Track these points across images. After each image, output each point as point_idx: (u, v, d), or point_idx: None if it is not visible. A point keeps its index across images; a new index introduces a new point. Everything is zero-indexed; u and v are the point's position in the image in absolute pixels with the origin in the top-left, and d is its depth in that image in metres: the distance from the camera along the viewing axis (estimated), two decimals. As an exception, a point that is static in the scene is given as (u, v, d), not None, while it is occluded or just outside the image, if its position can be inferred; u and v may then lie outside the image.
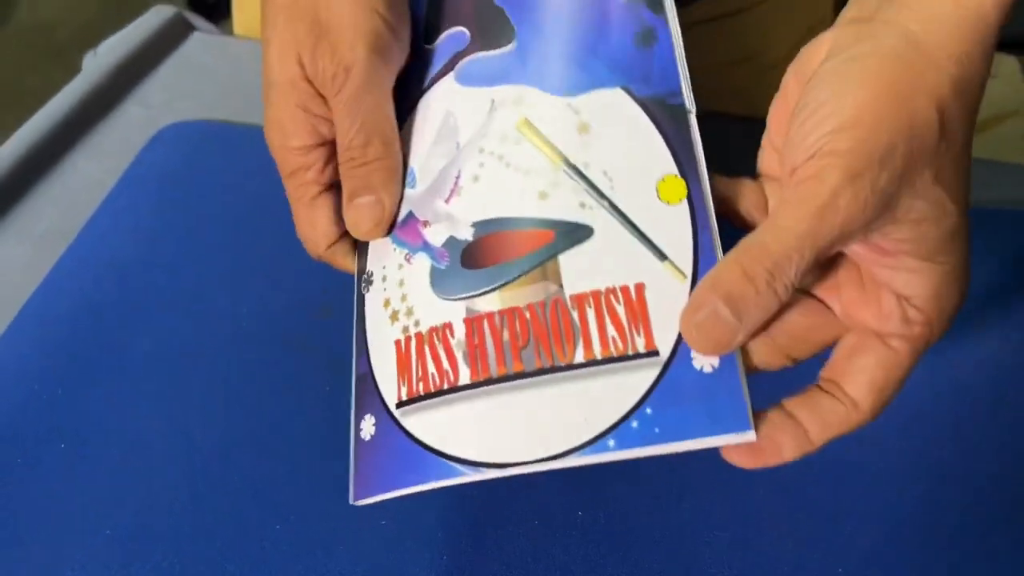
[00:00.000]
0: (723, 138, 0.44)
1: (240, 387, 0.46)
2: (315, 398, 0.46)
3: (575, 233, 0.30)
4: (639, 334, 0.29)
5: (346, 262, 0.36)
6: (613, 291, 0.29)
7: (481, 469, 0.28)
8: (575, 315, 0.29)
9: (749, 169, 0.33)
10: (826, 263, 0.30)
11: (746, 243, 0.27)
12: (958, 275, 0.29)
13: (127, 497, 0.42)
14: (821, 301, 0.31)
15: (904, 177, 0.26)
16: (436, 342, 0.30)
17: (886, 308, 0.29)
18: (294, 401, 0.46)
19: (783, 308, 0.28)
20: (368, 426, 0.32)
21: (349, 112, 0.33)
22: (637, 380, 0.28)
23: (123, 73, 0.65)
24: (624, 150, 0.31)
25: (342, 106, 0.33)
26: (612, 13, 0.33)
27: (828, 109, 0.27)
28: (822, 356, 0.31)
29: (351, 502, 0.32)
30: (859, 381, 0.29)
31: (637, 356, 0.28)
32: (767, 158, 0.33)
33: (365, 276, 0.35)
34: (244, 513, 0.41)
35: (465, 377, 0.30)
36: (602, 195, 0.30)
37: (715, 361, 0.28)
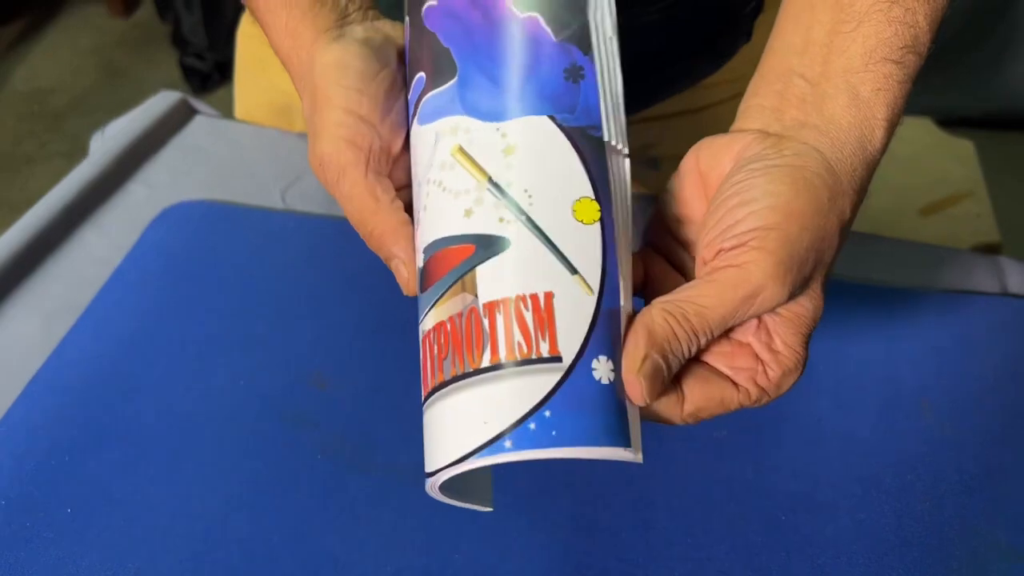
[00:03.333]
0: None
1: (238, 457, 0.49)
2: (309, 467, 0.49)
3: (492, 246, 0.32)
4: (544, 339, 0.30)
5: None
6: (523, 298, 0.31)
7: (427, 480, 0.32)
8: (486, 322, 0.31)
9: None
10: None
11: (671, 306, 0.31)
12: (801, 362, 0.34)
13: (130, 562, 0.45)
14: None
15: (807, 281, 0.32)
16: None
17: (740, 363, 0.33)
18: (288, 470, 0.49)
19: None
20: None
21: (346, 201, 0.36)
22: (538, 384, 0.30)
23: (129, 154, 0.68)
24: (546, 171, 0.33)
25: (342, 199, 0.37)
26: (545, 49, 0.34)
27: (760, 205, 0.31)
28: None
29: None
30: (695, 392, 0.33)
31: (540, 360, 0.30)
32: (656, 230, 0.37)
33: None
34: (240, 576, 0.44)
35: (421, 395, 0.33)
36: (520, 210, 0.32)
37: (612, 374, 0.30)
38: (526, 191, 0.32)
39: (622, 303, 0.32)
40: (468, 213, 0.32)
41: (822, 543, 0.47)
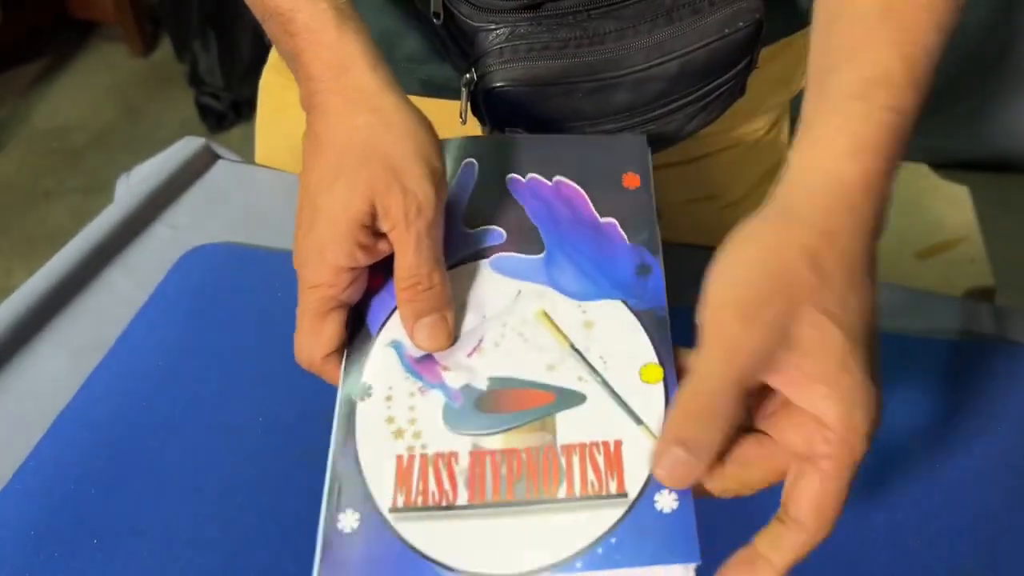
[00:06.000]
0: (685, 266, 0.50)
1: (260, 491, 0.51)
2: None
3: (571, 399, 0.39)
4: (612, 479, 0.36)
5: (335, 373, 0.41)
6: (596, 444, 0.37)
7: None
8: (563, 461, 0.37)
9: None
10: (759, 397, 0.36)
11: (683, 393, 0.34)
12: (861, 395, 0.33)
13: (153, 589, 0.47)
14: (765, 433, 0.36)
15: (788, 312, 0.33)
16: (440, 466, 0.37)
17: (807, 432, 0.33)
18: (309, 505, 0.51)
19: (732, 441, 0.34)
20: (350, 520, 0.37)
21: (419, 244, 0.39)
22: (607, 515, 0.35)
23: (154, 198, 0.71)
24: (618, 342, 0.40)
25: (412, 239, 0.39)
26: (621, 250, 0.43)
27: (720, 267, 0.35)
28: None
29: None
30: (800, 503, 0.33)
31: (609, 496, 0.36)
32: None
33: (362, 387, 0.40)
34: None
35: (463, 499, 0.36)
36: (596, 373, 0.39)
37: (675, 504, 0.35)
38: (601, 357, 0.40)
39: None
40: (551, 368, 0.40)
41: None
